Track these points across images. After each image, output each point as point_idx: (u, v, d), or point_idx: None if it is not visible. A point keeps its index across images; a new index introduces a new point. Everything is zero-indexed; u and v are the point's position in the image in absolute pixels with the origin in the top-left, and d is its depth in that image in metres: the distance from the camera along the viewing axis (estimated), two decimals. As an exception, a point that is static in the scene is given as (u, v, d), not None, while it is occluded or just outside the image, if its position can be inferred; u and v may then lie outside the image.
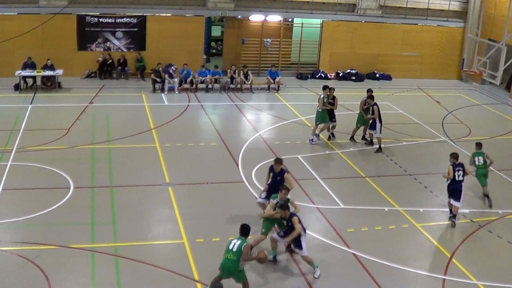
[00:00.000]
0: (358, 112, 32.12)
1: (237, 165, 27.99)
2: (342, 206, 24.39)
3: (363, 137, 32.49)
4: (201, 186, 25.53)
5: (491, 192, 26.11)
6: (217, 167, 27.88)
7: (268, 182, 22.06)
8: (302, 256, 19.62)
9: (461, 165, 23.89)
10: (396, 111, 38.83)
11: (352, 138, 32.30)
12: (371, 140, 31.97)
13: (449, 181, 23.83)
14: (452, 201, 23.63)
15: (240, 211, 23.26)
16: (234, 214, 22.93)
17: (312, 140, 31.61)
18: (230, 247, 17.91)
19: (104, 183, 25.00)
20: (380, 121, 30.95)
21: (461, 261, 21.00)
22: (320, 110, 31.45)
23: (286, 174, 22.10)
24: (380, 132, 31.06)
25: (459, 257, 21.28)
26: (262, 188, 23.25)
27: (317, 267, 19.60)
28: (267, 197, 21.58)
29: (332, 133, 32.72)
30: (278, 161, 22.10)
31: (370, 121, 31.33)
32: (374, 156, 30.67)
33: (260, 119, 36.01)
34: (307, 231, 20.30)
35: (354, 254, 20.90)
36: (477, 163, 26.12)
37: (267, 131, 33.30)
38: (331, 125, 32.42)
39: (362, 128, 32.36)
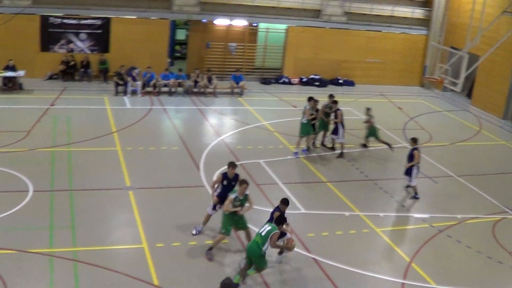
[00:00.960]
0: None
1: (199, 170, 27.91)
2: (303, 210, 24.45)
3: (322, 143, 32.61)
4: (162, 190, 25.44)
5: (454, 197, 26.59)
6: (179, 172, 27.75)
7: (218, 192, 21.66)
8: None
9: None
10: (359, 117, 38.91)
11: (313, 144, 32.31)
12: (333, 146, 32.07)
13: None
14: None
15: (200, 215, 23.10)
16: (195, 219, 22.84)
17: (296, 153, 30.97)
18: (260, 231, 18.59)
19: (64, 186, 24.75)
20: (343, 126, 31.09)
21: (421, 266, 21.18)
22: (305, 121, 30.97)
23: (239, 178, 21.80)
24: (343, 137, 31.19)
25: (418, 262, 21.47)
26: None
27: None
28: (215, 209, 21.68)
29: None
30: (232, 165, 21.58)
31: (333, 127, 31.37)
32: (336, 161, 30.80)
33: (223, 124, 35.98)
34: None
35: (314, 259, 20.96)
36: None
37: (229, 135, 33.27)
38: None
39: (321, 133, 32.47)
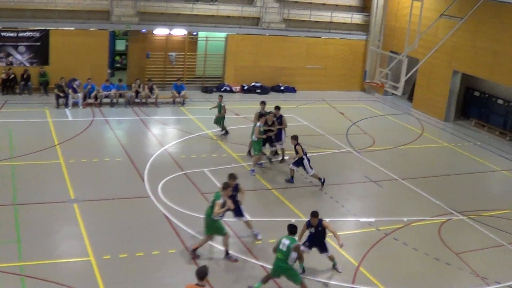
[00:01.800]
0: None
1: (143, 180, 27.77)
2: (249, 218, 24.40)
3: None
4: (107, 202, 25.22)
5: (399, 200, 26.94)
6: (123, 183, 27.56)
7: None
8: (328, 256, 21.06)
9: None
10: (301, 123, 39.18)
11: (249, 152, 32.29)
12: (276, 152, 32.14)
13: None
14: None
15: (147, 226, 23.15)
16: (141, 230, 22.82)
17: (252, 171, 30.09)
18: (280, 246, 18.70)
19: (8, 201, 24.40)
20: (285, 133, 31.23)
21: (369, 269, 21.33)
22: (256, 139, 30.38)
23: (239, 185, 22.79)
24: (284, 143, 31.32)
25: (366, 266, 21.62)
26: (168, 203, 23.35)
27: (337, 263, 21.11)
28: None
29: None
30: (232, 177, 22.54)
31: (276, 133, 31.30)
32: (280, 168, 30.84)
33: (166, 133, 35.85)
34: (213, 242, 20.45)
35: (262, 266, 20.96)
36: None
37: (173, 145, 33.14)
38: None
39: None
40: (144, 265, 20.40)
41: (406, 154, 35.54)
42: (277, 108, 31.73)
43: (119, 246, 21.51)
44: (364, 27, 51.15)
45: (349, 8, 52.10)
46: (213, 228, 20.96)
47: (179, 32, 45.83)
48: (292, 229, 19.13)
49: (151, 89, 41.28)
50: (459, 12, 40.30)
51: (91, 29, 43.25)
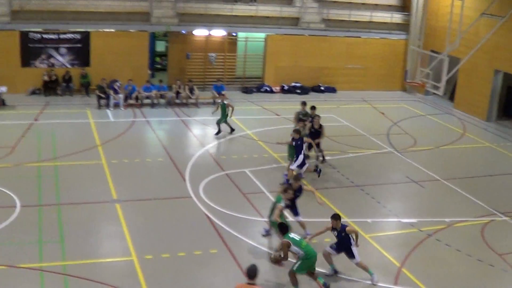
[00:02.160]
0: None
1: (185, 180, 27.86)
2: (290, 219, 24.35)
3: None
4: (149, 202, 25.34)
5: (441, 201, 26.74)
6: (165, 183, 27.67)
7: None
8: (356, 264, 20.37)
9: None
10: (342, 123, 39.08)
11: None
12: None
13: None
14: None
15: (188, 226, 23.22)
16: (183, 230, 22.90)
17: (285, 175, 29.10)
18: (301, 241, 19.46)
19: (51, 201, 24.65)
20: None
21: (411, 271, 21.17)
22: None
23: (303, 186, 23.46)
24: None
25: (409, 267, 21.46)
26: (210, 203, 23.48)
27: (373, 273, 20.35)
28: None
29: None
30: (296, 178, 23.30)
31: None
32: (323, 168, 30.73)
33: (206, 134, 35.91)
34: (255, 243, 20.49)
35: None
36: None
37: (213, 145, 33.25)
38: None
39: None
40: (186, 265, 20.46)
41: (448, 154, 35.25)
42: (313, 108, 31.72)
43: (161, 246, 21.59)
44: (405, 27, 50.84)
45: (389, 8, 51.83)
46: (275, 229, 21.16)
47: (219, 32, 45.96)
48: None
49: (191, 90, 41.45)
50: (500, 10, 39.93)
51: (131, 30, 43.56)
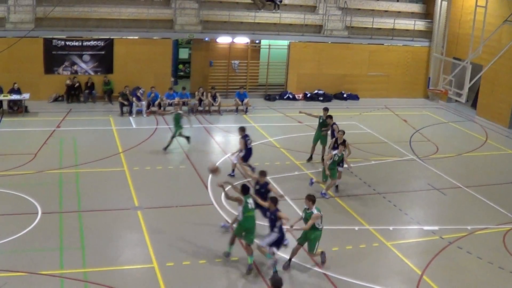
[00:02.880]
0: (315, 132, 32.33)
1: (207, 188, 27.88)
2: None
3: (322, 158, 32.15)
4: (170, 210, 25.40)
5: (463, 208, 26.60)
6: (187, 190, 27.69)
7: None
8: (260, 247, 20.76)
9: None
10: (364, 131, 39.02)
11: (310, 158, 32.47)
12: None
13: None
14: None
15: (210, 234, 23.22)
16: (204, 237, 22.89)
17: (324, 194, 28.34)
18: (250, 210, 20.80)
19: (72, 208, 24.76)
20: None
21: (432, 278, 21.08)
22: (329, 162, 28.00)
23: (269, 185, 23.62)
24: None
25: (430, 274, 21.37)
26: (232, 211, 23.52)
27: (271, 257, 20.61)
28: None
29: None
30: (263, 173, 23.35)
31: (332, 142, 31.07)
32: (343, 176, 30.60)
33: (229, 141, 35.95)
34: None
35: (325, 274, 20.90)
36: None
37: (236, 153, 33.19)
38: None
39: (321, 147, 32.25)
40: (207, 272, 20.47)
41: (470, 161, 35.09)
42: (329, 116, 31.83)
43: (183, 253, 21.62)
44: (427, 34, 50.74)
45: (411, 15, 51.79)
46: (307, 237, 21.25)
47: (242, 40, 46.06)
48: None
49: (214, 97, 41.52)
50: (523, 17, 39.78)
51: (154, 37, 43.69)
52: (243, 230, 20.76)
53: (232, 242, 21.24)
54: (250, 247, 20.55)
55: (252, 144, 29.60)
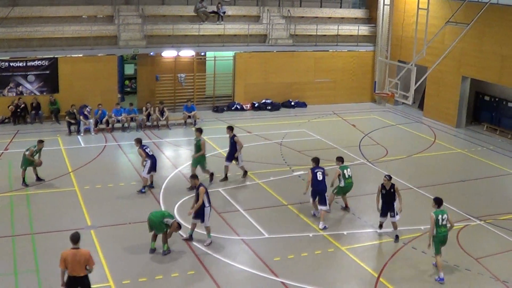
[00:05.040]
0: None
1: (159, 203, 27.78)
2: (266, 235, 24.44)
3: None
4: (123, 227, 25.25)
5: (415, 208, 27.26)
6: (139, 206, 27.41)
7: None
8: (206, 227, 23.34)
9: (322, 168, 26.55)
10: (314, 137, 39.21)
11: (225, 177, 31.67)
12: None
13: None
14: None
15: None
16: (159, 252, 22.79)
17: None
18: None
19: (25, 230, 24.44)
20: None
21: (389, 280, 21.30)
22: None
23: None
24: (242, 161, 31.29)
25: (386, 276, 21.58)
26: (186, 224, 23.55)
27: (210, 237, 23.13)
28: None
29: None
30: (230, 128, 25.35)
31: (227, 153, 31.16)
32: (294, 184, 30.77)
33: (179, 155, 35.87)
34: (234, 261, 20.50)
35: (282, 282, 20.93)
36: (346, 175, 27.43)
37: (186, 166, 33.10)
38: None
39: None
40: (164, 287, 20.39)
41: (420, 162, 35.47)
42: (230, 128, 31.15)
43: (138, 270, 21.52)
44: (371, 39, 51.27)
45: (355, 20, 52.27)
46: None
47: (187, 53, 46.01)
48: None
49: (162, 112, 41.37)
50: (465, 18, 40.20)
51: (99, 54, 43.44)
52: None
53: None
54: None
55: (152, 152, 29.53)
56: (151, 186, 29.57)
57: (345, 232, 25.16)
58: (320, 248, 23.62)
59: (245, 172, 31.44)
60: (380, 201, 24.63)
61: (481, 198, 30.09)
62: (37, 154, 29.88)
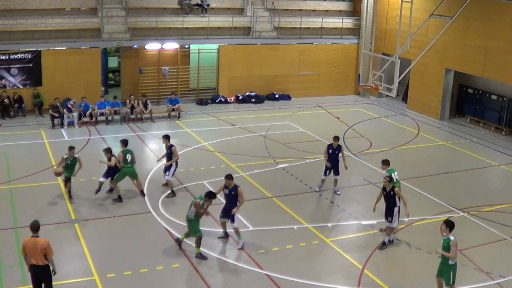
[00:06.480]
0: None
1: (143, 196, 27.71)
2: (251, 228, 24.45)
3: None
4: (108, 220, 25.17)
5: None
6: (123, 199, 27.34)
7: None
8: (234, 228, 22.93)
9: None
10: (298, 130, 39.24)
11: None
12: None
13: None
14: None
15: (149, 242, 23.08)
16: (144, 246, 22.75)
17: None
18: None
19: (9, 224, 24.36)
20: (176, 164, 28.90)
21: (373, 272, 21.33)
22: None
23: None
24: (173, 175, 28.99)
25: (371, 268, 21.61)
26: (170, 217, 23.41)
27: (241, 238, 22.38)
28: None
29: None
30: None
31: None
32: (279, 176, 30.80)
33: (163, 148, 35.47)
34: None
35: (267, 275, 20.93)
36: None
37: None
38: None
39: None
40: (149, 281, 20.36)
41: (404, 154, 35.56)
42: (166, 136, 29.50)
43: (123, 264, 21.45)
44: (355, 31, 51.37)
45: (339, 13, 52.33)
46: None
47: (171, 46, 45.91)
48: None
49: (145, 105, 41.26)
50: (449, 11, 40.42)
51: (82, 47, 43.23)
52: None
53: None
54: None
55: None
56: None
57: (329, 224, 25.21)
58: (304, 241, 23.64)
59: (172, 192, 28.16)
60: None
61: (464, 190, 30.24)
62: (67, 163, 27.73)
